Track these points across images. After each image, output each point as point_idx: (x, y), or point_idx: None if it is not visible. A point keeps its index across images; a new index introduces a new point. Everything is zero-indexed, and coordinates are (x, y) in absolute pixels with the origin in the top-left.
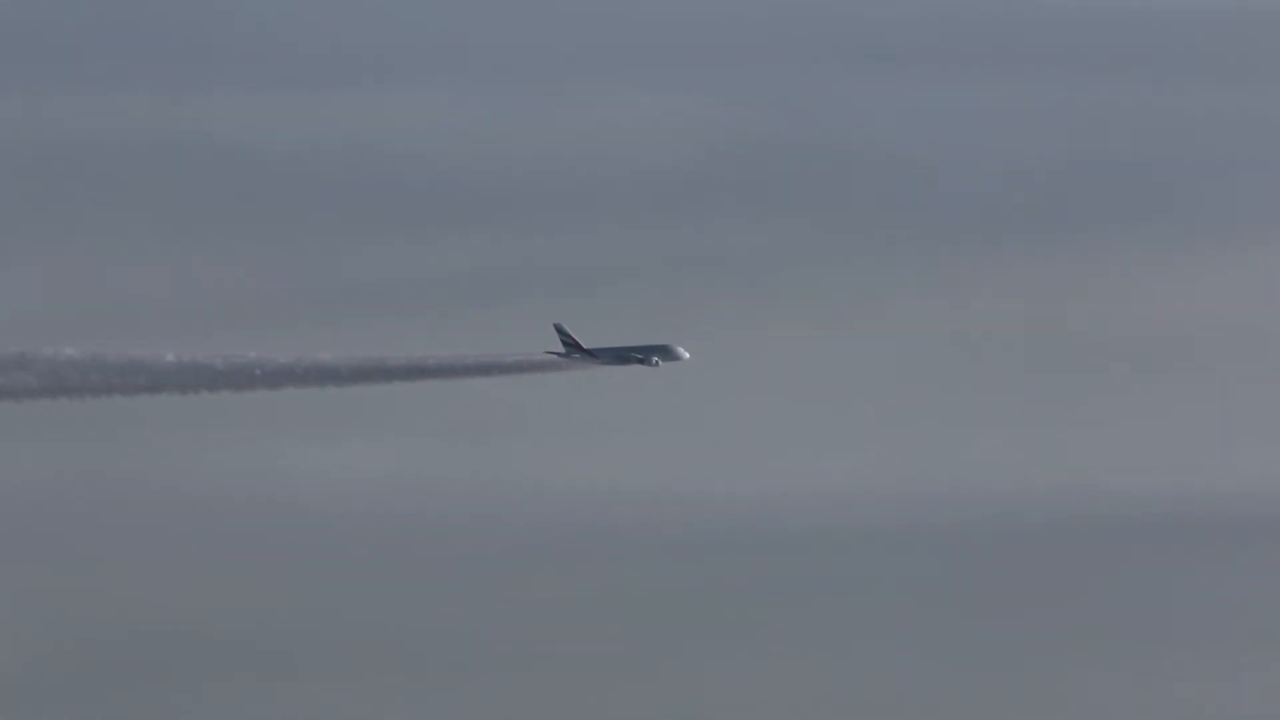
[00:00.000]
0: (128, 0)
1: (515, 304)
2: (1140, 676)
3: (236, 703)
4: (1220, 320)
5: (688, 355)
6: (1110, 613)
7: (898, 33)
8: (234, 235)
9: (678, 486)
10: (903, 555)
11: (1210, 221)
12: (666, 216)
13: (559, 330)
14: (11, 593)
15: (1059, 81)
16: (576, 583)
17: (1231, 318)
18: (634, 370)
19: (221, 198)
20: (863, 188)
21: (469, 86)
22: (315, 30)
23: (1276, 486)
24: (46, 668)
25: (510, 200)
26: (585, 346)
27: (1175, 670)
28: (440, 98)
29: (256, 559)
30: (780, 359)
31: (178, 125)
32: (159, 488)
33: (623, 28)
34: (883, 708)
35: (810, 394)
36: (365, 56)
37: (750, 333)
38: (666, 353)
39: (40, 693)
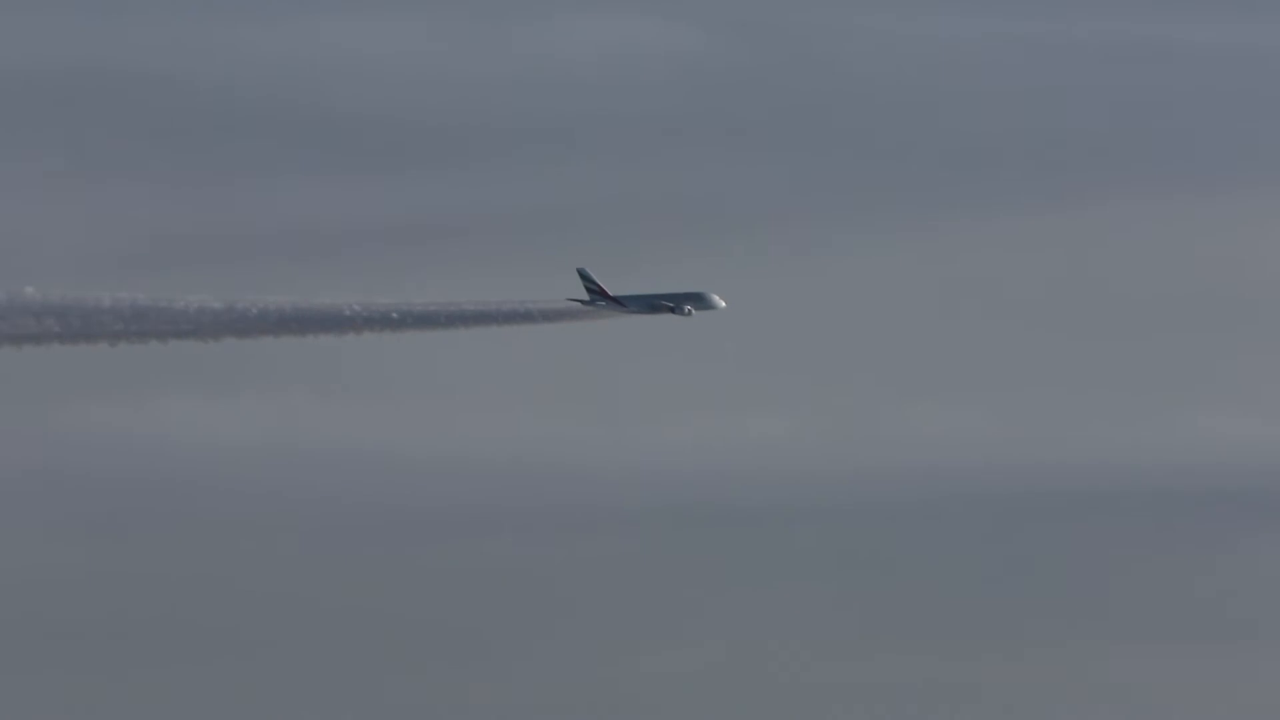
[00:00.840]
0: None
1: (535, 247)
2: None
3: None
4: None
5: (723, 304)
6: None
7: None
8: (224, 173)
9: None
10: (866, 524)
11: (1230, 171)
12: (662, 153)
13: (582, 276)
14: None
15: (1072, 12)
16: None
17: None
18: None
19: (203, 134)
20: (858, 126)
21: (450, 19)
22: None
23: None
24: None
25: (516, 139)
26: (611, 294)
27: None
28: (420, 31)
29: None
30: (771, 309)
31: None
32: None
33: None
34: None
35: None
36: None
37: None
38: (700, 300)
39: None
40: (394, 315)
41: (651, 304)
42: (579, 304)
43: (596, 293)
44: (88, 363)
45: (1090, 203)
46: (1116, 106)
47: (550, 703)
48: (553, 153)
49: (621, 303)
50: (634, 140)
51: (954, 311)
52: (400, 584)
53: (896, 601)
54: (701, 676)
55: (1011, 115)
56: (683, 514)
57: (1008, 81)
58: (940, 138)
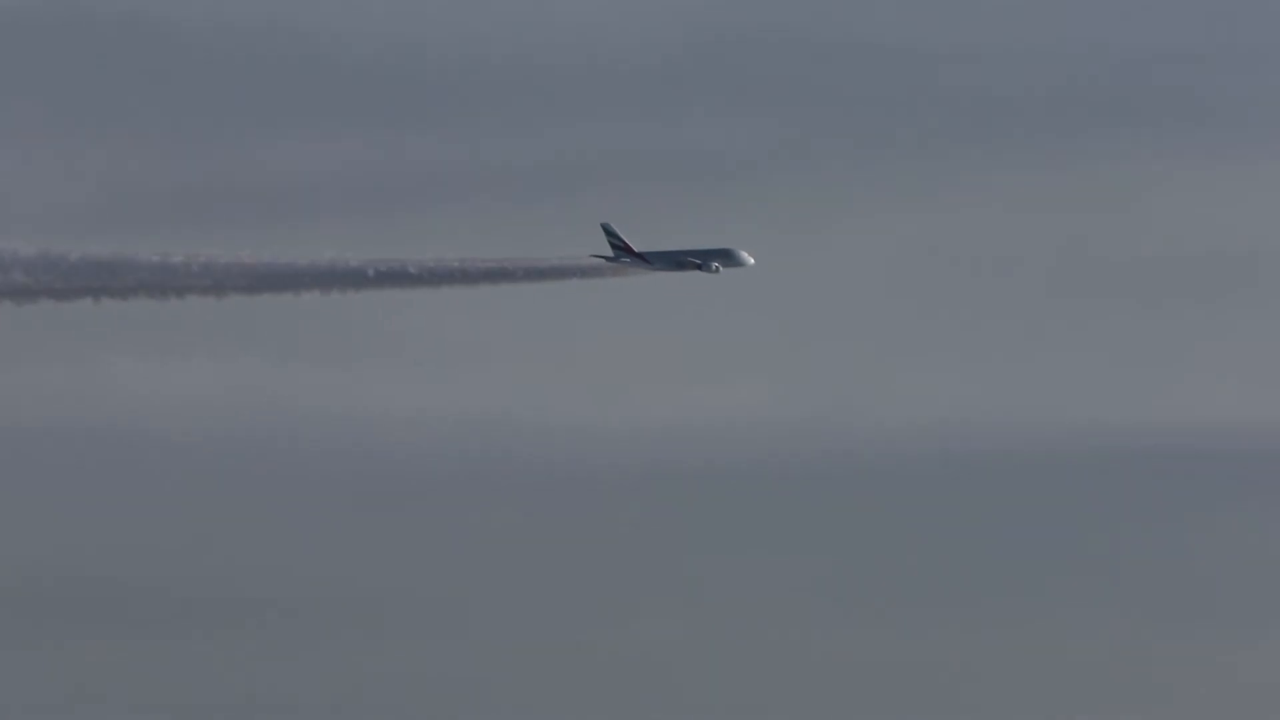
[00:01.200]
0: None
1: (557, 202)
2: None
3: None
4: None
5: (752, 261)
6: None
7: None
8: (213, 123)
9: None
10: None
11: (1248, 126)
12: (665, 107)
13: (607, 231)
14: None
15: None
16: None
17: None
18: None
19: (187, 80)
20: (857, 80)
21: None
22: None
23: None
24: None
25: (545, 90)
26: (636, 250)
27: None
28: None
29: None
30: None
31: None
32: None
33: None
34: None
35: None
36: None
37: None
38: (728, 258)
39: None
40: (411, 270)
41: (678, 261)
42: (603, 260)
43: (621, 249)
44: None
45: (1092, 163)
46: (1127, 63)
47: (534, 666)
48: (556, 104)
49: (647, 259)
50: (636, 93)
51: (952, 273)
52: (385, 546)
53: (891, 566)
54: (689, 642)
55: (1017, 72)
56: (672, 477)
57: (1013, 37)
58: (943, 94)
